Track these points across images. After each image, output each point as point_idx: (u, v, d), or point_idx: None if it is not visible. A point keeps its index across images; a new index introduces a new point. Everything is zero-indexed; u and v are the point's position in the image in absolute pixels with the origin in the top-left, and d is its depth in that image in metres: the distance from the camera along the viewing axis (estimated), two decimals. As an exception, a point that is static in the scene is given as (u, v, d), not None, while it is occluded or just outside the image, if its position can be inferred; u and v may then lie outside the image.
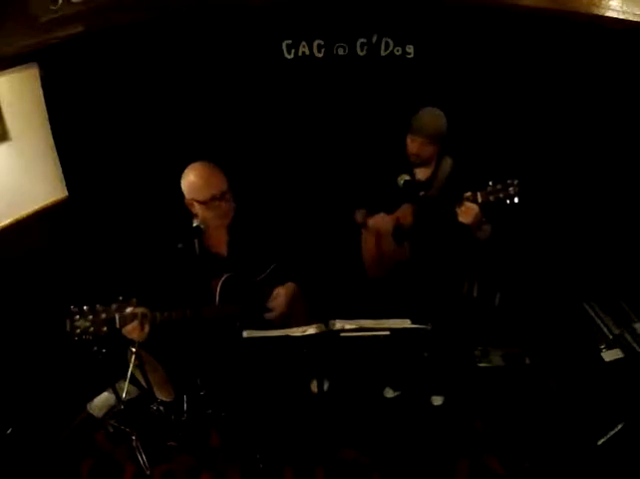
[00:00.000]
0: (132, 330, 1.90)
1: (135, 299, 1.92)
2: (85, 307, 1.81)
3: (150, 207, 2.86)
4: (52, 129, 2.66)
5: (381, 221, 2.43)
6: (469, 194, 2.03)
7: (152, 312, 1.93)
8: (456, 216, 2.06)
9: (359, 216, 2.52)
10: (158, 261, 2.12)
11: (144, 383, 2.34)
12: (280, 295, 2.20)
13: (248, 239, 2.21)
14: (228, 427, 2.47)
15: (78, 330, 1.80)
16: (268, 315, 2.20)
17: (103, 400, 2.61)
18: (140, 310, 1.90)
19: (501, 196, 1.97)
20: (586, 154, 2.62)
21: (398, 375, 2.75)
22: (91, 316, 1.81)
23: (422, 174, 2.36)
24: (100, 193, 2.83)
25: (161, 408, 2.42)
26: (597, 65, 2.46)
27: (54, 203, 2.73)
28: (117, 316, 1.85)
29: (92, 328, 1.81)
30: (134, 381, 2.35)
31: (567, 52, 2.46)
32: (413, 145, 2.28)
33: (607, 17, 2.19)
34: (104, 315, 1.83)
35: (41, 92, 2.59)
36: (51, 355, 2.59)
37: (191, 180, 2.07)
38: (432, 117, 2.26)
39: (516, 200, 1.95)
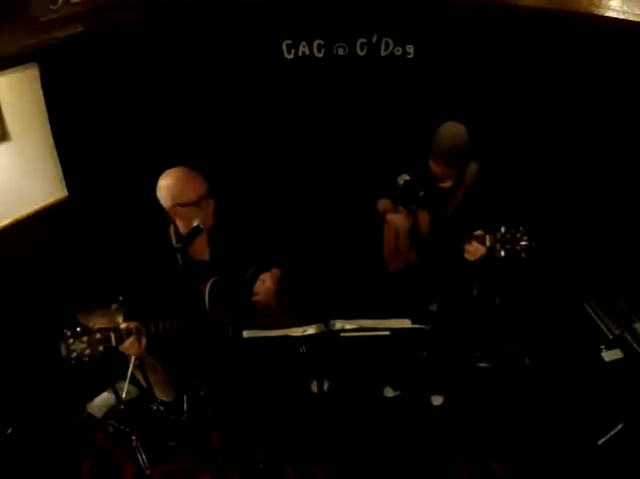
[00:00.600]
0: (129, 346, 1.88)
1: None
2: (78, 329, 1.78)
3: (150, 207, 2.86)
4: (52, 129, 2.66)
5: (401, 216, 2.42)
6: (479, 232, 2.02)
7: (145, 326, 1.92)
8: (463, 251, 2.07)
9: (381, 205, 2.49)
10: (155, 263, 2.11)
11: (144, 383, 2.34)
12: (266, 280, 2.20)
13: (230, 241, 2.20)
14: (228, 427, 2.48)
15: (74, 354, 1.78)
16: (255, 299, 2.20)
17: (103, 400, 2.61)
18: (134, 325, 1.89)
19: (508, 247, 1.96)
20: (585, 153, 2.62)
21: (398, 375, 2.75)
22: (85, 337, 1.79)
23: (445, 183, 2.31)
24: (100, 193, 2.83)
25: (161, 408, 2.42)
26: (597, 65, 2.46)
27: (54, 203, 2.73)
28: (112, 335, 1.83)
29: (88, 350, 1.78)
30: (134, 381, 2.35)
31: (567, 52, 2.46)
32: (436, 169, 2.24)
33: (607, 17, 2.19)
34: (98, 335, 1.80)
35: (41, 92, 2.59)
36: (51, 355, 2.59)
37: (172, 184, 2.05)
38: (451, 139, 2.19)
39: (523, 255, 1.94)
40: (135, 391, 2.50)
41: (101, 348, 1.80)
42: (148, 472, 2.27)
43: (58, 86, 2.60)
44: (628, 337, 2.39)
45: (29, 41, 2.33)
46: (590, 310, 2.64)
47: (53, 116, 2.64)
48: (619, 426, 2.23)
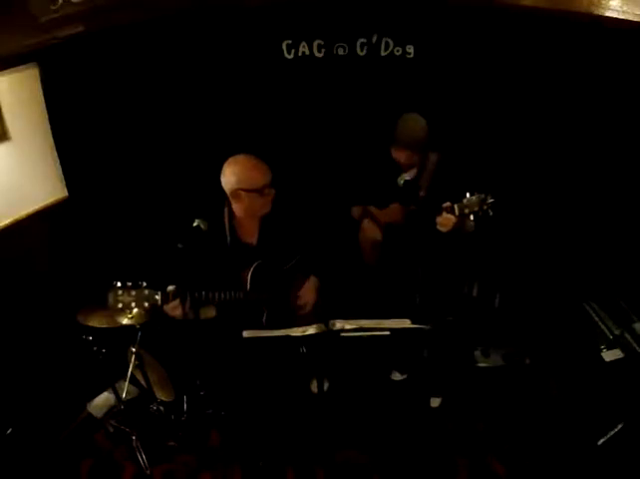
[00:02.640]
0: (174, 308, 1.95)
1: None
2: (128, 283, 1.85)
3: (149, 206, 2.86)
4: (52, 129, 2.66)
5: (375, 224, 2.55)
6: (447, 204, 2.12)
7: (191, 292, 1.99)
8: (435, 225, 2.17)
9: (356, 210, 2.64)
10: (204, 245, 2.16)
11: (144, 383, 2.34)
12: (308, 290, 2.31)
13: (279, 230, 2.29)
14: (228, 427, 2.47)
15: (120, 304, 1.84)
16: (301, 312, 2.30)
17: (103, 400, 2.61)
18: (181, 289, 1.96)
19: (476, 209, 2.07)
20: (585, 154, 2.62)
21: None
22: (134, 292, 1.85)
23: (409, 174, 2.44)
24: (100, 193, 2.83)
25: (161, 408, 2.42)
26: (597, 65, 2.46)
27: (54, 203, 2.73)
28: (159, 293, 1.89)
29: (134, 303, 1.85)
30: (134, 381, 2.35)
31: (567, 52, 2.46)
32: (400, 155, 2.39)
33: (607, 17, 2.19)
34: (146, 292, 1.87)
35: (41, 92, 2.59)
36: (51, 355, 2.59)
37: (241, 170, 2.13)
38: (414, 126, 2.36)
39: (491, 213, 2.05)
40: (135, 391, 2.50)
41: (147, 304, 1.87)
42: (148, 472, 2.27)
43: (58, 86, 2.60)
44: (628, 337, 2.39)
45: (29, 41, 2.33)
46: (590, 311, 2.64)
47: (53, 116, 2.64)
48: (619, 426, 2.23)
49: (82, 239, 2.82)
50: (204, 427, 2.48)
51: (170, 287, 1.95)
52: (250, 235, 2.30)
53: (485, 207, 2.06)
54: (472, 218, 2.08)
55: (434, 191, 2.42)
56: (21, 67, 2.47)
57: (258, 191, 2.13)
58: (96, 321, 2.19)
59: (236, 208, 2.21)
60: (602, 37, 2.35)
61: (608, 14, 2.18)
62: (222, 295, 2.07)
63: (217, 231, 2.20)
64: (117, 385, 2.41)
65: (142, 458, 2.29)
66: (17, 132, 2.50)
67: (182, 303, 1.96)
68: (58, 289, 2.67)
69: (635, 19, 2.16)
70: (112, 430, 2.46)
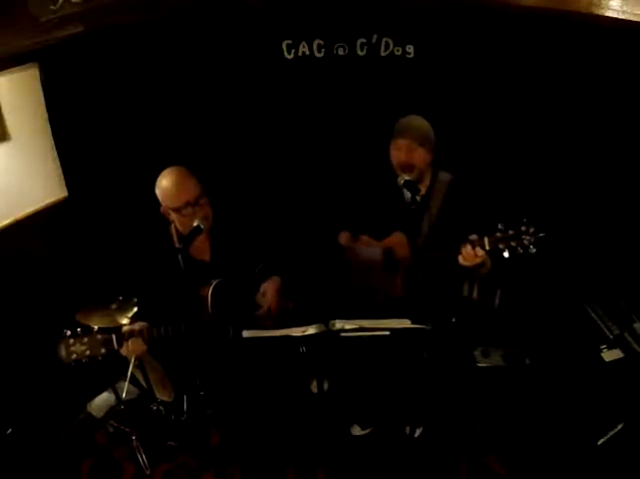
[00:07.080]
0: (131, 348, 1.89)
1: (135, 300, 1.92)
2: (79, 330, 1.78)
3: (149, 207, 2.86)
4: (52, 129, 2.66)
5: (368, 248, 2.27)
6: (474, 237, 1.82)
7: (148, 329, 1.92)
8: (455, 257, 1.87)
9: (343, 238, 2.35)
10: (155, 263, 2.12)
11: (144, 383, 2.34)
12: (268, 291, 2.21)
13: (231, 243, 2.20)
14: (228, 427, 2.47)
15: (74, 356, 1.78)
16: (259, 313, 2.21)
17: (103, 400, 2.61)
18: (137, 327, 1.90)
19: (514, 244, 1.74)
20: (585, 154, 2.62)
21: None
22: (86, 339, 1.79)
23: (410, 174, 2.16)
24: (100, 193, 2.83)
25: (161, 408, 2.42)
26: (597, 65, 2.45)
27: (54, 203, 2.73)
28: (113, 337, 1.83)
29: (88, 352, 1.80)
30: (134, 381, 2.35)
31: (567, 52, 2.46)
32: (399, 152, 2.13)
33: (607, 17, 2.18)
34: (99, 336, 1.81)
35: (41, 92, 2.59)
36: (51, 355, 2.59)
37: (164, 186, 2.06)
38: (416, 120, 2.19)
39: (533, 250, 1.71)
40: (135, 391, 2.50)
41: (103, 350, 1.81)
42: (148, 472, 2.27)
43: (58, 86, 2.60)
44: (628, 337, 2.39)
45: (29, 41, 2.33)
46: (590, 311, 2.63)
47: (53, 116, 2.64)
48: (619, 426, 2.23)
49: (81, 240, 2.82)
50: (204, 427, 2.48)
51: (126, 327, 1.88)
52: (202, 251, 2.20)
53: (527, 242, 1.70)
54: (506, 254, 1.74)
55: (446, 217, 2.13)
56: (21, 67, 2.48)
57: (187, 205, 2.03)
58: (95, 321, 2.19)
59: (176, 223, 2.13)
60: (602, 37, 2.34)
61: (608, 14, 2.18)
62: (183, 327, 1.96)
63: (168, 250, 2.09)
64: (117, 385, 2.41)
65: (142, 458, 2.29)
66: (17, 132, 2.50)
67: (141, 341, 1.89)
68: (57, 289, 2.66)
69: (635, 19, 2.16)
70: (112, 430, 2.46)
